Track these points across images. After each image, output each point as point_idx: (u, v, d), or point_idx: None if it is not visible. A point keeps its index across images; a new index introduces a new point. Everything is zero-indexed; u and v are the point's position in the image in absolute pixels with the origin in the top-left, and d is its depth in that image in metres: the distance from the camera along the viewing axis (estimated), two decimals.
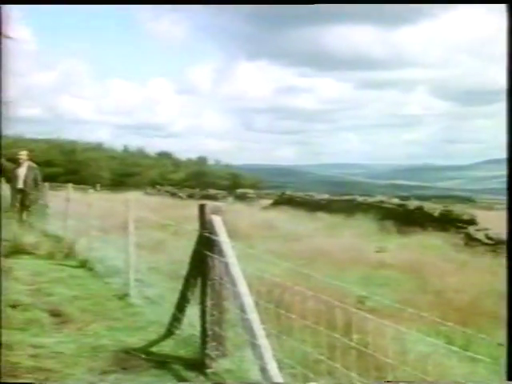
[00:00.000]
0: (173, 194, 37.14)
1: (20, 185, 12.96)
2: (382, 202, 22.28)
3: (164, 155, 74.47)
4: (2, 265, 9.85)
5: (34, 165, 13.71)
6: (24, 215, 13.13)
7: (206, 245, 5.19)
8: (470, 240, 16.47)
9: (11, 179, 13.42)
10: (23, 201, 13.01)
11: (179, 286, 5.94)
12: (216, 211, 5.26)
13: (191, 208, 6.99)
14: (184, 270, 5.82)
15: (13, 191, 13.43)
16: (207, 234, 5.15)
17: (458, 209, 19.88)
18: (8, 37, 4.99)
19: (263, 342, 4.24)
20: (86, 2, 5.18)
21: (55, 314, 6.89)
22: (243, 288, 4.60)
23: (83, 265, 10.19)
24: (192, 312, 5.69)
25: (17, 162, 13.38)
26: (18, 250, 10.96)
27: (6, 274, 9.16)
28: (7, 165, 14.71)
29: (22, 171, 13.15)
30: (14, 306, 7.08)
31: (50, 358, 5.25)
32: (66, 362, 5.15)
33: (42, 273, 9.47)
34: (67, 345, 5.65)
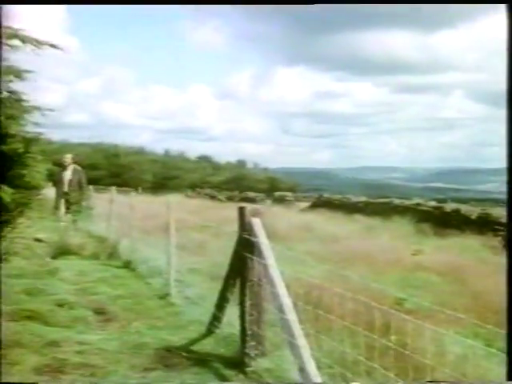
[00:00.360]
0: (212, 197, 37.25)
1: (65, 188, 13.05)
2: (418, 204, 22.00)
3: (204, 159, 74.93)
4: (50, 265, 10.12)
5: (79, 168, 13.79)
6: (68, 217, 13.10)
7: (245, 246, 5.21)
8: None
9: (56, 182, 13.35)
10: (67, 203, 13.06)
11: (219, 286, 5.97)
12: (255, 214, 5.27)
13: (230, 210, 7.02)
14: (223, 271, 5.84)
15: (57, 194, 13.44)
16: (247, 236, 5.16)
17: (496, 211, 19.46)
18: (55, 46, 5.09)
19: (302, 341, 4.23)
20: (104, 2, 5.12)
21: (99, 312, 7.01)
22: (282, 289, 4.60)
23: (126, 265, 10.33)
24: (231, 312, 5.72)
25: (62, 166, 13.34)
26: (64, 251, 11.17)
27: (53, 274, 9.37)
28: (54, 169, 14.79)
29: (67, 174, 13.21)
30: (60, 305, 7.22)
31: (95, 354, 5.34)
32: (110, 359, 5.22)
33: (87, 273, 9.63)
34: (111, 342, 5.73)
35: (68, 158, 13.43)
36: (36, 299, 7.43)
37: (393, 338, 4.01)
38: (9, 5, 3.15)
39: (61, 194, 13.15)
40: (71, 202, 12.91)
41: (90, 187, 15.58)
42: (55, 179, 13.17)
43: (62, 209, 12.97)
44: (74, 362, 5.11)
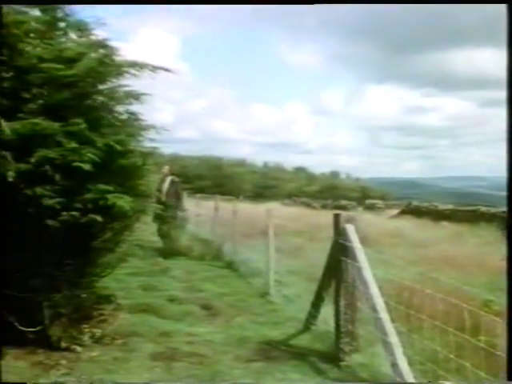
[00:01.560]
0: (307, 205, 37.26)
1: (163, 198, 12.43)
2: (505, 212, 20.95)
3: (300, 170, 75.27)
4: (162, 265, 10.58)
5: (177, 179, 13.35)
6: (165, 227, 12.47)
7: (340, 250, 5.28)
8: None
9: (156, 192, 13.47)
10: (165, 212, 12.08)
11: (314, 286, 6.06)
12: (349, 220, 5.35)
13: (324, 217, 7.10)
14: (319, 273, 5.94)
15: (156, 203, 13.33)
16: (341, 241, 5.24)
17: None
18: (169, 70, 5.37)
19: (394, 339, 4.25)
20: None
21: (206, 307, 7.29)
22: (375, 290, 4.63)
23: (229, 266, 10.66)
24: (326, 310, 5.79)
25: (162, 177, 12.64)
26: (173, 252, 11.64)
27: (165, 273, 9.81)
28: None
29: (165, 185, 12.76)
30: (171, 300, 7.58)
31: (203, 345, 5.59)
32: (216, 350, 5.45)
33: (194, 272, 10.02)
34: (217, 335, 5.98)
35: (166, 169, 13.00)
36: (150, 294, 7.86)
37: (482, 338, 3.95)
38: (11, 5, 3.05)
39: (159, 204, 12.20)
40: (167, 211, 12.04)
41: (188, 195, 15.33)
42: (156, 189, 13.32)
43: (159, 218, 12.12)
44: (184, 351, 5.38)
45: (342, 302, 5.25)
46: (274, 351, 5.41)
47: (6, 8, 4.74)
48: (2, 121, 3.39)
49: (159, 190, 12.07)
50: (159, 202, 11.76)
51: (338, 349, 5.13)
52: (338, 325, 5.27)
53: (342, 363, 4.99)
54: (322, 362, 5.10)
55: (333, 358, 5.12)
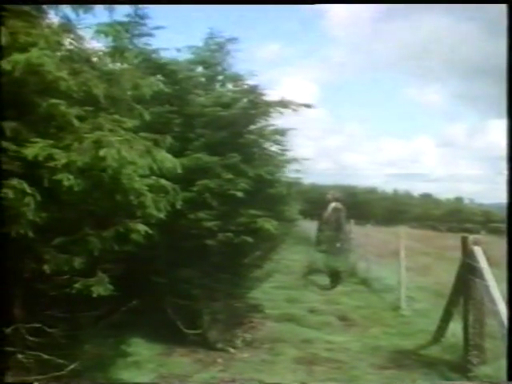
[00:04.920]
0: (434, 228, 35.86)
1: (323, 225, 10.83)
2: None
3: (426, 196, 72.73)
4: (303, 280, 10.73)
5: (340, 206, 10.96)
6: (329, 258, 10.58)
7: (468, 270, 5.16)
8: None
9: (319, 218, 11.28)
10: (326, 241, 10.64)
11: (443, 302, 5.92)
12: (476, 242, 5.21)
13: (450, 239, 6.90)
14: (447, 290, 5.80)
15: (318, 229, 11.33)
16: (469, 261, 5.12)
17: None
18: (310, 106, 5.59)
19: None
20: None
21: (342, 318, 7.36)
22: (503, 307, 4.47)
23: (363, 282, 10.62)
24: (455, 325, 5.62)
25: (325, 203, 10.96)
26: (313, 270, 11.75)
27: (305, 287, 9.97)
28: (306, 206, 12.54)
29: (326, 212, 10.85)
30: (311, 311, 7.74)
31: (340, 352, 5.67)
32: (353, 357, 5.51)
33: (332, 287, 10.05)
34: (353, 343, 6.03)
35: (330, 195, 11.01)
36: (293, 306, 8.08)
37: None
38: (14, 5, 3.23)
39: (320, 230, 10.98)
40: (323, 239, 10.67)
41: (350, 225, 12.59)
42: (319, 214, 11.25)
43: (322, 243, 10.73)
44: (324, 356, 5.50)
45: (471, 318, 5.10)
46: (405, 360, 5.36)
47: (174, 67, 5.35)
48: (174, 158, 3.83)
49: (320, 217, 10.80)
50: (321, 228, 10.70)
51: (466, 360, 4.98)
52: (466, 338, 5.12)
53: (469, 374, 4.83)
54: (451, 371, 4.98)
55: (461, 368, 4.98)
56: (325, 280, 10.31)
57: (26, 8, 3.50)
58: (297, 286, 10.07)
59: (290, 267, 11.44)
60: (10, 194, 2.92)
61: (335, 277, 10.11)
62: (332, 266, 10.42)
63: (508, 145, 3.73)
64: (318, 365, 5.20)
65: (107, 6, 3.54)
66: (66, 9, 3.55)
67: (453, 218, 49.04)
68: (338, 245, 10.62)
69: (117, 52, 4.03)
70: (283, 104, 5.62)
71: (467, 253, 5.22)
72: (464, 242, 5.30)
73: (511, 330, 3.52)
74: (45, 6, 3.62)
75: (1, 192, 2.92)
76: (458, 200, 72.96)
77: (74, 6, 3.44)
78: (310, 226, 15.92)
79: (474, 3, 6.05)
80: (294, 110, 5.58)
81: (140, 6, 4.56)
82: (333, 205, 10.72)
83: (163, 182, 3.72)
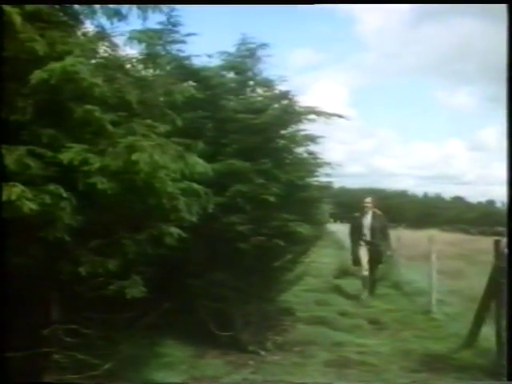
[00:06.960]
0: (465, 231, 35.04)
1: (366, 236, 9.37)
2: None
3: (457, 199, 71.38)
4: (333, 283, 10.59)
5: (379, 212, 9.78)
6: (374, 272, 9.51)
7: (500, 274, 4.97)
8: None
9: (354, 228, 9.76)
10: (372, 254, 9.34)
11: (474, 306, 5.73)
12: None
13: (482, 242, 6.69)
14: (478, 294, 5.60)
15: (354, 242, 9.66)
16: (502, 265, 4.93)
17: None
18: (341, 116, 5.51)
19: None
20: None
21: (373, 321, 7.23)
22: None
23: (394, 285, 10.40)
24: (487, 329, 5.43)
25: (361, 211, 9.67)
26: (343, 272, 11.62)
27: (336, 290, 9.85)
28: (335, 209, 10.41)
29: (366, 220, 9.47)
30: (342, 314, 7.62)
31: (372, 355, 5.56)
32: (384, 360, 5.39)
33: (362, 290, 9.88)
34: (384, 346, 5.91)
35: (368, 201, 9.69)
36: (324, 309, 7.97)
37: None
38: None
39: (360, 243, 9.47)
40: (375, 252, 9.35)
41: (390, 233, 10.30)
42: (353, 225, 9.88)
43: (364, 259, 9.29)
44: (355, 359, 5.38)
45: (504, 322, 4.90)
46: (437, 363, 5.21)
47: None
48: (206, 163, 3.80)
49: (359, 227, 9.50)
50: (360, 240, 9.41)
51: (499, 365, 4.78)
52: (498, 343, 4.92)
53: (503, 378, 4.63)
54: (483, 375, 4.80)
55: (493, 372, 4.78)
56: (353, 283, 10.15)
57: (64, 18, 3.53)
58: (327, 288, 9.97)
59: (321, 270, 11.36)
60: (47, 199, 2.91)
61: (373, 283, 9.49)
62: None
63: (508, 145, 3.60)
64: (348, 368, 5.11)
65: (140, 12, 3.52)
66: (101, 18, 3.57)
67: (485, 221, 48.02)
68: (389, 253, 10.09)
69: (150, 59, 4.02)
70: (316, 112, 5.54)
71: (500, 256, 5.05)
72: (497, 245, 5.15)
73: (511, 330, 3.37)
74: (81, 16, 3.65)
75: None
76: (490, 203, 71.56)
77: (109, 14, 3.45)
78: (339, 229, 15.73)
79: (475, 3, 5.88)
80: (327, 118, 5.50)
81: (172, 13, 4.55)
82: (372, 211, 9.63)
83: (195, 186, 3.68)
